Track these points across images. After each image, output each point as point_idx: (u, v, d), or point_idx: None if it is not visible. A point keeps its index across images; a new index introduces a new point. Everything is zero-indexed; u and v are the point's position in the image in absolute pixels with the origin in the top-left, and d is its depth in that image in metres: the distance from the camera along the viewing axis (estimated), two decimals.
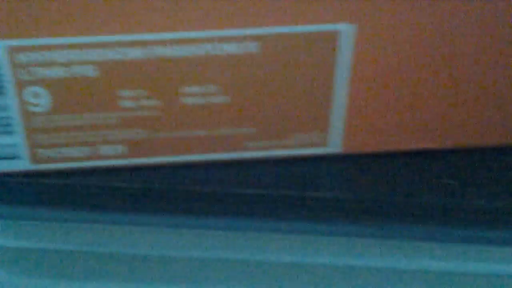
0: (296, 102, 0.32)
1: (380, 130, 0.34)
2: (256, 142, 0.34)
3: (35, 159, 0.33)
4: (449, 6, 0.30)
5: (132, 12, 0.29)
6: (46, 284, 0.31)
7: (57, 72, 0.31)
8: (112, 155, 0.33)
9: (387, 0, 0.30)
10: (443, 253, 0.31)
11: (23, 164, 0.33)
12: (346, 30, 0.31)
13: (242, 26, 0.30)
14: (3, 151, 0.33)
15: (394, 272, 0.31)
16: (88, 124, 0.32)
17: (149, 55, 0.30)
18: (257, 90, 0.32)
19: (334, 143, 0.34)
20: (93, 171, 0.34)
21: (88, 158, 0.33)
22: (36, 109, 0.32)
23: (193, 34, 0.30)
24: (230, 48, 0.31)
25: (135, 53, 0.30)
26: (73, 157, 0.33)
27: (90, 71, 0.31)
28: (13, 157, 0.33)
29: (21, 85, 0.31)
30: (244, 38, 0.30)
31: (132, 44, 0.30)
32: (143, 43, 0.30)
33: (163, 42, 0.30)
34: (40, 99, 0.31)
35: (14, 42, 0.30)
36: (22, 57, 0.30)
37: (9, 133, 0.32)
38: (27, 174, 0.33)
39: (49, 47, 0.30)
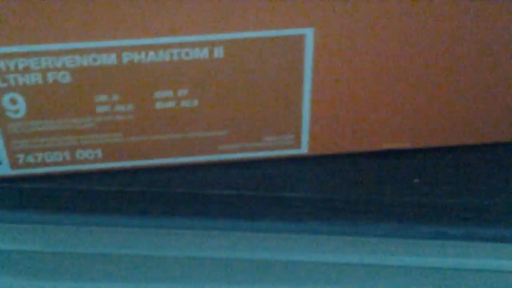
0: (266, 105, 0.33)
1: (344, 131, 0.35)
2: (228, 145, 0.35)
3: (14, 164, 0.34)
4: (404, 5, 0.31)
5: (104, 20, 0.30)
6: (24, 285, 0.32)
7: (33, 79, 0.32)
8: (89, 159, 0.34)
9: (345, 5, 0.31)
10: (407, 249, 0.32)
11: (3, 170, 0.34)
12: (311, 34, 0.32)
13: (209, 32, 0.31)
14: None
15: (360, 267, 0.32)
16: (65, 129, 0.33)
17: (121, 61, 0.31)
18: (226, 94, 0.33)
19: (304, 144, 0.35)
20: (71, 175, 0.35)
21: (66, 162, 0.34)
22: (14, 115, 0.32)
23: (161, 40, 0.31)
24: (198, 53, 0.32)
25: (107, 59, 0.31)
26: (51, 161, 0.34)
27: (65, 78, 0.32)
28: None
29: None
30: (211, 43, 0.31)
31: (105, 50, 0.31)
32: (115, 50, 0.31)
33: (133, 48, 0.31)
34: (17, 106, 0.32)
35: None
36: None
37: None
38: (7, 179, 0.34)
39: (24, 54, 0.31)
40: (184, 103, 0.33)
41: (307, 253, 0.32)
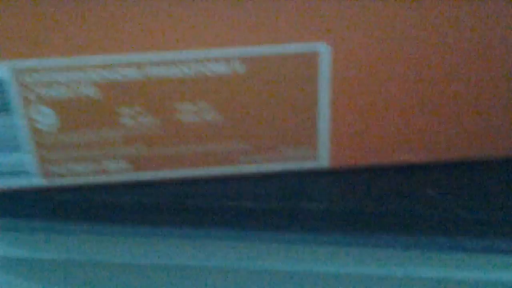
0: (284, 119, 0.34)
1: (364, 144, 0.35)
2: (248, 157, 0.35)
3: (45, 175, 0.35)
4: (417, 21, 0.32)
5: (130, 35, 0.32)
6: None
7: (61, 92, 0.33)
8: (116, 170, 0.35)
9: (361, 21, 0.32)
10: (428, 261, 0.33)
11: (35, 180, 0.35)
12: (325, 50, 0.32)
13: (230, 47, 0.32)
14: (12, 167, 0.35)
15: (379, 279, 0.32)
16: (92, 141, 0.34)
17: (145, 74, 0.33)
18: (247, 108, 0.34)
19: (322, 158, 0.36)
20: (99, 186, 0.36)
21: (94, 173, 0.36)
22: (44, 127, 0.34)
23: (184, 55, 0.32)
24: (219, 68, 0.33)
25: (132, 73, 0.33)
26: (80, 172, 0.35)
27: (91, 91, 0.33)
28: (23, 173, 0.35)
29: (27, 104, 0.33)
30: (231, 58, 0.32)
31: (130, 65, 0.32)
32: (139, 64, 0.32)
33: (157, 63, 0.32)
34: (47, 118, 0.34)
35: (20, 64, 0.32)
36: (28, 78, 0.32)
37: (17, 150, 0.34)
38: (38, 189, 0.36)
39: (52, 68, 0.32)
40: (206, 116, 0.34)
41: (326, 264, 0.33)
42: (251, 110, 0.34)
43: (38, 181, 0.35)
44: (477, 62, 0.33)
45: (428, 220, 0.33)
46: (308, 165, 0.36)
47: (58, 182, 0.35)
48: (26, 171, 0.35)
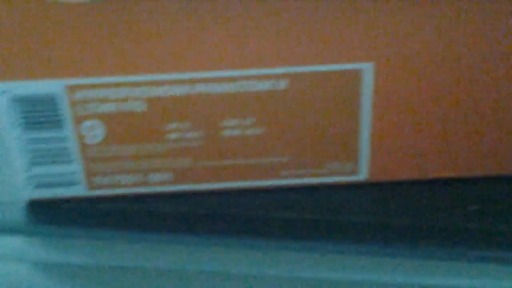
0: (326, 134, 0.35)
1: (403, 159, 0.36)
2: (290, 171, 0.36)
3: (91, 185, 0.36)
4: (457, 34, 0.33)
5: (177, 53, 0.33)
6: None
7: (110, 107, 0.34)
8: (160, 182, 0.37)
9: (402, 39, 0.33)
10: (467, 272, 0.33)
11: (81, 190, 0.37)
12: (368, 68, 0.33)
13: (274, 65, 0.33)
14: (63, 178, 0.36)
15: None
16: (139, 154, 0.36)
17: (192, 91, 0.34)
18: (289, 123, 0.35)
19: (362, 172, 0.36)
20: (143, 196, 0.37)
21: (139, 184, 0.37)
22: (92, 141, 0.35)
23: (230, 73, 0.33)
24: (263, 85, 0.34)
25: (179, 90, 0.34)
26: (125, 184, 0.36)
27: (139, 106, 0.34)
28: (72, 184, 0.36)
29: (78, 119, 0.34)
30: (275, 76, 0.33)
31: (177, 81, 0.33)
32: (187, 81, 0.33)
33: (204, 80, 0.33)
34: (95, 131, 0.35)
35: (73, 81, 0.33)
36: (79, 94, 0.34)
37: (68, 162, 0.36)
38: (84, 199, 0.37)
39: (103, 85, 0.33)
40: (250, 131, 0.35)
41: (365, 274, 0.34)
42: (293, 125, 0.35)
43: (84, 191, 0.36)
44: None
45: (467, 233, 0.34)
46: (348, 178, 0.37)
47: (102, 192, 0.36)
48: (74, 182, 0.36)
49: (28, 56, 0.32)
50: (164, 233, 0.35)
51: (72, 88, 0.33)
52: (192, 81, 0.33)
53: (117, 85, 0.33)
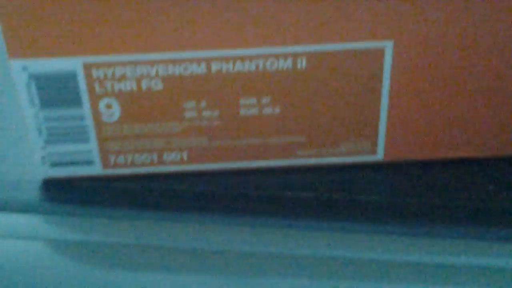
0: (344, 113, 0.35)
1: (419, 139, 0.36)
2: (306, 150, 0.36)
3: (106, 164, 0.36)
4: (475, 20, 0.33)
5: (195, 31, 0.33)
6: (113, 274, 0.34)
7: (127, 86, 0.34)
8: (175, 161, 0.37)
9: (423, 19, 0.32)
10: (482, 250, 0.33)
11: (96, 169, 0.37)
12: (389, 46, 0.33)
13: (293, 44, 0.33)
14: (80, 157, 0.36)
15: (434, 267, 0.33)
16: (154, 133, 0.35)
17: (210, 70, 0.34)
18: (307, 102, 0.35)
19: (380, 151, 0.37)
20: (157, 175, 0.37)
21: (154, 164, 0.37)
22: (108, 119, 0.35)
23: (248, 51, 0.33)
24: (282, 64, 0.34)
25: (197, 68, 0.34)
26: (140, 163, 0.36)
27: (157, 85, 0.34)
28: (87, 163, 0.36)
29: (95, 97, 0.34)
30: (294, 54, 0.33)
31: (195, 60, 0.33)
32: (205, 59, 0.33)
33: (222, 59, 0.33)
34: (112, 110, 0.35)
35: (90, 59, 0.33)
36: (97, 72, 0.33)
37: (85, 140, 0.36)
38: (98, 178, 0.37)
39: (120, 63, 0.33)
40: (267, 110, 0.35)
41: (381, 253, 0.34)
42: (311, 104, 0.35)
43: (99, 170, 0.36)
44: None
45: (484, 212, 0.34)
46: (365, 158, 0.37)
47: (117, 171, 0.36)
48: (90, 160, 0.36)
49: (46, 34, 0.32)
50: (179, 212, 0.35)
51: (89, 66, 0.33)
52: (209, 60, 0.33)
53: (134, 63, 0.33)
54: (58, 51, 0.32)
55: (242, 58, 0.33)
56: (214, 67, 0.33)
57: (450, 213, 0.34)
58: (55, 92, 0.34)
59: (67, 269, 0.33)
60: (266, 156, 0.36)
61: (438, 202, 0.35)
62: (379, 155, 0.36)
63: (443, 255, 0.33)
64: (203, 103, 0.34)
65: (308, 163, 0.37)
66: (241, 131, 0.35)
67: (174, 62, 0.33)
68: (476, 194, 0.35)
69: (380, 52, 0.33)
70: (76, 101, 0.34)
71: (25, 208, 0.36)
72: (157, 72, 0.33)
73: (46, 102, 0.34)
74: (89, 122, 0.35)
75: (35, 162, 0.36)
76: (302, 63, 0.33)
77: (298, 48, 0.33)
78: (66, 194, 0.36)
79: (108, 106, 0.34)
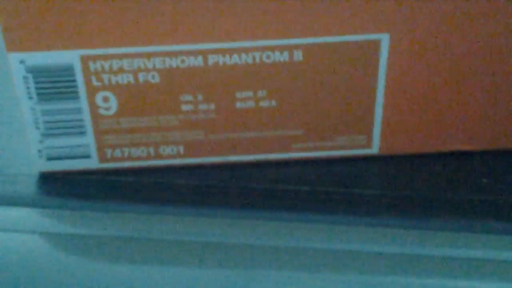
0: (340, 106, 0.35)
1: (414, 132, 0.36)
2: (302, 144, 0.36)
3: (103, 158, 0.37)
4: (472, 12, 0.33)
5: (192, 24, 0.33)
6: (109, 267, 0.34)
7: (125, 79, 0.34)
8: (172, 154, 0.37)
9: (419, 12, 0.33)
10: (476, 243, 0.34)
11: (93, 163, 0.37)
12: (385, 39, 0.33)
13: (289, 36, 0.33)
14: (76, 151, 0.36)
15: (429, 259, 0.34)
16: (151, 126, 0.36)
17: (206, 63, 0.34)
18: (303, 95, 0.35)
19: (376, 145, 0.37)
20: (154, 169, 0.37)
21: (150, 157, 0.37)
22: (105, 112, 0.35)
23: (245, 44, 0.33)
24: (278, 57, 0.34)
25: (194, 61, 0.34)
26: (136, 156, 0.37)
27: (154, 78, 0.34)
28: (84, 156, 0.36)
29: (92, 90, 0.34)
30: (290, 47, 0.33)
31: (192, 53, 0.33)
32: (202, 52, 0.33)
33: (218, 51, 0.33)
34: (109, 103, 0.35)
35: (87, 52, 0.33)
36: (94, 65, 0.34)
37: (82, 134, 0.36)
38: (95, 172, 0.37)
39: (117, 56, 0.33)
40: (263, 104, 0.35)
41: (376, 245, 0.34)
42: (307, 98, 0.35)
43: (96, 164, 0.36)
44: None
45: (479, 204, 0.34)
46: (360, 152, 0.37)
47: (114, 165, 0.37)
48: (86, 154, 0.36)
49: (43, 28, 0.32)
50: (175, 205, 0.35)
51: (86, 59, 0.33)
52: (206, 52, 0.33)
53: (131, 56, 0.33)
54: (56, 44, 0.33)
55: (239, 51, 0.33)
56: (211, 60, 0.33)
57: (444, 206, 0.35)
58: (53, 85, 0.34)
59: (63, 263, 0.33)
60: (262, 150, 0.36)
61: (432, 195, 0.35)
62: (375, 149, 0.37)
63: (438, 248, 0.33)
64: (200, 96, 0.35)
65: (304, 156, 0.37)
66: (237, 125, 0.36)
67: (171, 55, 0.33)
68: (470, 187, 0.36)
69: (376, 45, 0.33)
70: (73, 95, 0.34)
71: (22, 202, 0.36)
72: (154, 65, 0.34)
73: (43, 95, 0.34)
74: (86, 115, 0.35)
75: (32, 156, 0.36)
76: (298, 56, 0.34)
77: (295, 41, 0.33)
78: (63, 187, 0.37)
79: (105, 99, 0.34)
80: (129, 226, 0.35)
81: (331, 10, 0.32)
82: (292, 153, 0.37)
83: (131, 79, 0.34)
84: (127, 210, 0.36)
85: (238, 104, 0.35)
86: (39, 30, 0.32)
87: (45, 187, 0.37)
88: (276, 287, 0.32)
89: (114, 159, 0.36)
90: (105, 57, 0.33)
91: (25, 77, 0.33)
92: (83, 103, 0.34)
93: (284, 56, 0.34)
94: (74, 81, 0.34)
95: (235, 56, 0.33)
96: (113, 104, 0.35)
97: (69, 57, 0.33)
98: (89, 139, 0.36)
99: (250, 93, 0.35)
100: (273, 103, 0.35)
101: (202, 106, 0.35)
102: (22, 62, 0.33)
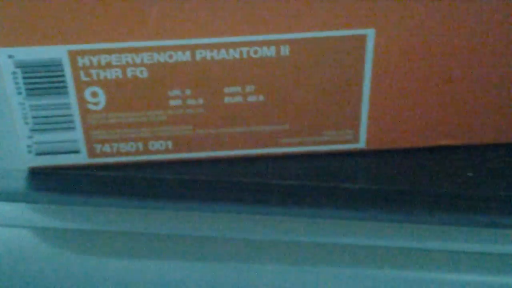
0: (327, 101, 0.36)
1: (401, 127, 0.36)
2: (290, 139, 0.37)
3: (92, 153, 0.37)
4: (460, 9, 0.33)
5: (179, 20, 0.33)
6: (98, 262, 0.34)
7: (113, 74, 0.34)
8: (160, 150, 0.37)
9: (405, 7, 0.33)
10: (464, 236, 0.34)
11: (82, 158, 0.37)
12: (371, 34, 0.34)
13: (276, 31, 0.33)
14: (65, 146, 0.36)
15: (416, 250, 0.34)
16: (140, 121, 0.36)
17: (194, 58, 0.34)
18: (290, 90, 0.35)
19: (363, 139, 0.37)
20: (143, 164, 0.37)
21: (139, 152, 0.37)
22: (93, 108, 0.35)
23: (232, 39, 0.33)
24: (265, 52, 0.34)
25: (182, 56, 0.34)
26: (125, 151, 0.37)
27: (142, 73, 0.34)
28: (73, 152, 0.37)
29: (81, 85, 0.34)
30: (277, 42, 0.34)
31: (180, 48, 0.34)
32: (189, 47, 0.34)
33: (206, 46, 0.34)
34: (97, 98, 0.35)
35: (76, 47, 0.33)
36: (82, 60, 0.34)
37: (71, 129, 0.36)
38: (84, 167, 0.37)
39: (106, 51, 0.34)
40: (251, 99, 0.35)
41: (363, 239, 0.34)
42: (294, 92, 0.35)
43: (85, 159, 0.37)
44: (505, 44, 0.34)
45: (465, 198, 0.35)
46: (347, 146, 0.37)
47: (103, 160, 0.37)
48: (75, 149, 0.36)
49: (32, 22, 0.32)
50: (164, 200, 0.36)
51: (74, 54, 0.33)
52: (194, 48, 0.33)
53: (119, 51, 0.33)
54: (44, 39, 0.33)
55: (226, 46, 0.33)
56: (199, 55, 0.34)
57: (430, 200, 0.35)
58: (41, 80, 0.34)
59: (52, 258, 0.34)
60: (250, 144, 0.37)
61: (419, 189, 0.35)
62: (361, 143, 0.37)
63: (425, 241, 0.34)
64: (188, 92, 0.35)
65: (292, 151, 0.37)
66: (225, 120, 0.36)
67: (159, 50, 0.33)
68: (456, 181, 0.36)
69: (362, 40, 0.34)
70: (62, 90, 0.34)
71: (11, 197, 0.36)
72: (142, 60, 0.34)
73: (32, 90, 0.34)
74: (74, 110, 0.35)
75: (21, 151, 0.36)
76: (285, 51, 0.34)
77: (282, 36, 0.33)
78: (52, 183, 0.37)
79: (94, 94, 0.35)
80: (118, 221, 0.35)
81: (318, 6, 0.32)
82: (280, 148, 0.37)
83: (120, 74, 0.34)
84: (116, 205, 0.36)
85: (226, 99, 0.35)
86: (28, 25, 0.32)
87: (34, 182, 0.37)
88: (264, 280, 0.32)
89: (103, 154, 0.36)
90: (94, 52, 0.33)
91: (13, 72, 0.34)
92: (72, 98, 0.35)
93: (271, 51, 0.34)
94: (62, 76, 0.34)
95: (223, 51, 0.34)
96: (102, 99, 0.35)
97: (58, 52, 0.33)
98: (78, 134, 0.36)
99: (238, 88, 0.35)
100: (261, 98, 0.35)
101: (191, 101, 0.35)
102: (10, 57, 0.33)
